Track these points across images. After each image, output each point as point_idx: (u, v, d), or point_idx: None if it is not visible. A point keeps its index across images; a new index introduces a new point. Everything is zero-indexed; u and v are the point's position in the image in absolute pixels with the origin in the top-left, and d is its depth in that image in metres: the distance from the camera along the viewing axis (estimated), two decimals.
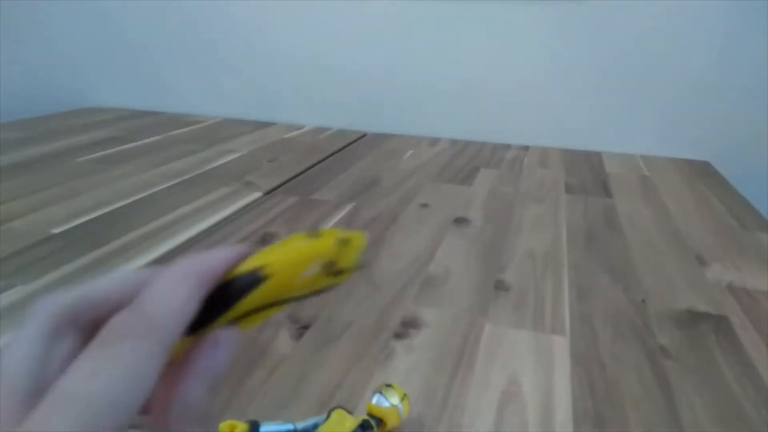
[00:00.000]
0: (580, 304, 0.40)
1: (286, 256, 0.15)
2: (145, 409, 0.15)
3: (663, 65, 0.81)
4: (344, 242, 0.15)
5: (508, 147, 0.87)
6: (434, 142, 0.89)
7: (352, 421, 0.25)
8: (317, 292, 0.16)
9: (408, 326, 0.37)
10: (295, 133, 0.92)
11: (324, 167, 0.73)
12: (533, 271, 0.45)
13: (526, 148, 0.87)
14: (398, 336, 0.36)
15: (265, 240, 0.49)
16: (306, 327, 0.36)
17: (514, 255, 0.48)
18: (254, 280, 0.15)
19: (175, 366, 0.16)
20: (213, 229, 0.51)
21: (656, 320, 0.38)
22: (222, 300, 0.15)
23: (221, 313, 0.15)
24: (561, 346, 0.35)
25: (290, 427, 0.25)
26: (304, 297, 0.16)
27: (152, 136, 0.86)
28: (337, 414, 0.25)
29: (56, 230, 0.50)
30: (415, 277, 0.43)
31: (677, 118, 0.83)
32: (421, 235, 0.52)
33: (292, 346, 0.34)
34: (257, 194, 0.61)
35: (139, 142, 0.82)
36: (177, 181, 0.65)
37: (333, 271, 0.15)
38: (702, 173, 0.76)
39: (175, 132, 0.89)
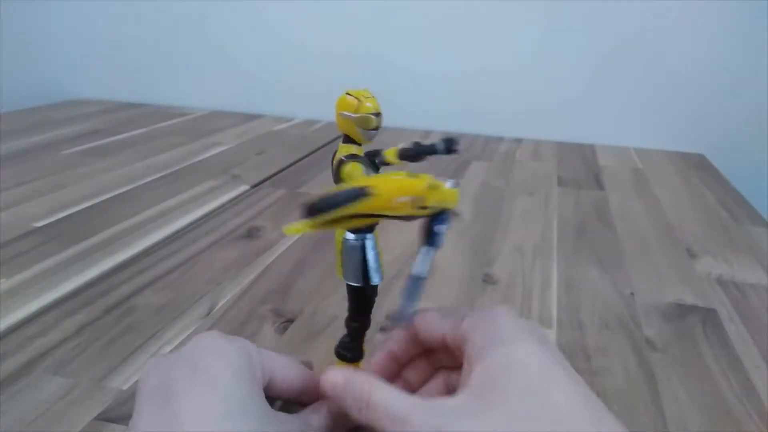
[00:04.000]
0: (568, 298, 0.40)
1: (388, 185, 0.21)
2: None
3: (658, 58, 0.80)
4: (434, 187, 0.21)
5: (500, 140, 0.86)
6: (426, 134, 0.88)
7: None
8: (403, 218, 0.21)
9: (395, 320, 0.36)
10: (284, 125, 0.91)
11: (313, 160, 0.72)
12: (522, 264, 0.45)
13: (519, 140, 0.86)
14: (384, 330, 0.35)
15: (251, 233, 0.49)
16: (290, 321, 0.36)
17: (503, 248, 0.48)
18: (362, 193, 0.20)
19: None
20: (199, 223, 0.51)
21: (644, 313, 0.38)
22: (334, 202, 0.20)
23: (333, 210, 0.20)
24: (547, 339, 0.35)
25: None
26: (392, 218, 0.21)
27: (138, 128, 0.85)
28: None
29: (39, 224, 0.49)
30: (403, 271, 0.43)
31: (672, 111, 0.82)
32: (411, 228, 0.51)
33: (276, 339, 0.34)
34: (244, 187, 0.60)
35: (125, 135, 0.81)
36: (162, 174, 0.64)
37: (418, 205, 0.21)
38: (696, 166, 0.76)
39: (161, 124, 0.88)
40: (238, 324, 0.35)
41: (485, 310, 0.24)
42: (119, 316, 0.36)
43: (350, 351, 0.27)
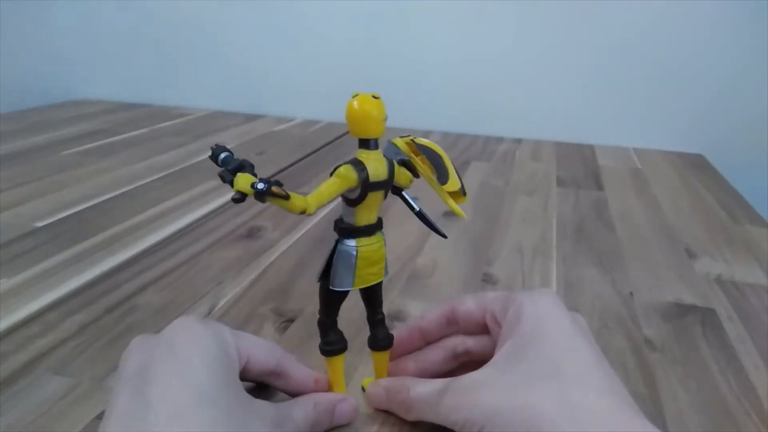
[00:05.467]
0: (567, 297, 0.40)
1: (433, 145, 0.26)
2: None
3: (657, 57, 0.80)
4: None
5: (500, 140, 0.87)
6: (426, 134, 0.88)
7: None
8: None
9: (393, 319, 0.36)
10: (284, 125, 0.91)
11: (313, 160, 0.72)
12: (521, 264, 0.45)
13: (518, 140, 0.86)
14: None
15: (252, 233, 0.49)
16: (291, 320, 0.36)
17: (502, 248, 0.48)
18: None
19: None
20: (199, 222, 0.51)
21: (643, 313, 0.38)
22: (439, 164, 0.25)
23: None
24: None
25: None
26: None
27: (139, 128, 0.85)
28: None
29: (40, 224, 0.49)
30: (402, 271, 0.43)
31: (671, 111, 0.82)
32: (410, 228, 0.51)
33: (276, 339, 0.34)
34: None
35: (126, 135, 0.81)
36: (163, 174, 0.64)
37: None
38: (695, 166, 0.76)
39: (162, 125, 0.88)
40: (238, 323, 0.35)
41: (532, 290, 0.26)
42: (120, 316, 0.36)
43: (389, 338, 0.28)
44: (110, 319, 0.35)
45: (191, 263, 0.43)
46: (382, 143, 0.26)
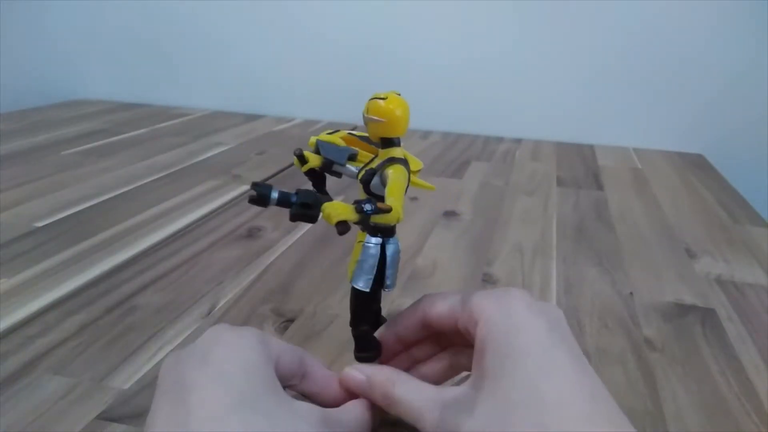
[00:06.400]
0: (567, 298, 0.40)
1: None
2: None
3: (657, 58, 0.80)
4: None
5: (500, 140, 0.87)
6: (426, 134, 0.88)
7: None
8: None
9: None
10: (284, 125, 0.91)
11: None
12: (521, 264, 0.45)
13: (518, 140, 0.86)
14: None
15: (252, 234, 0.49)
16: (290, 321, 0.36)
17: (502, 248, 0.48)
18: None
19: None
20: (199, 222, 0.51)
21: (643, 313, 0.38)
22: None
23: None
24: None
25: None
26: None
27: (139, 128, 0.85)
28: None
29: (40, 224, 0.49)
30: (402, 271, 0.43)
31: (671, 111, 0.83)
32: (410, 228, 0.51)
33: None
34: (245, 187, 0.60)
35: (126, 135, 0.81)
36: (163, 174, 0.64)
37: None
38: (695, 166, 0.76)
39: (162, 124, 0.88)
40: (238, 324, 0.35)
41: (499, 292, 0.24)
42: (120, 316, 0.36)
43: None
44: (110, 319, 0.35)
45: (191, 263, 0.43)
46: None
